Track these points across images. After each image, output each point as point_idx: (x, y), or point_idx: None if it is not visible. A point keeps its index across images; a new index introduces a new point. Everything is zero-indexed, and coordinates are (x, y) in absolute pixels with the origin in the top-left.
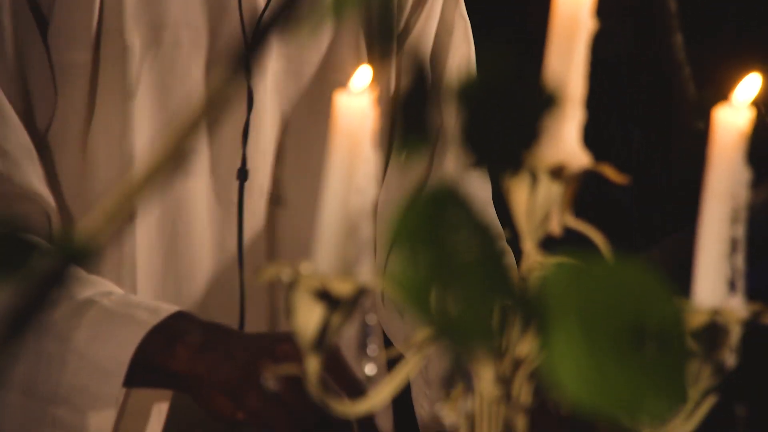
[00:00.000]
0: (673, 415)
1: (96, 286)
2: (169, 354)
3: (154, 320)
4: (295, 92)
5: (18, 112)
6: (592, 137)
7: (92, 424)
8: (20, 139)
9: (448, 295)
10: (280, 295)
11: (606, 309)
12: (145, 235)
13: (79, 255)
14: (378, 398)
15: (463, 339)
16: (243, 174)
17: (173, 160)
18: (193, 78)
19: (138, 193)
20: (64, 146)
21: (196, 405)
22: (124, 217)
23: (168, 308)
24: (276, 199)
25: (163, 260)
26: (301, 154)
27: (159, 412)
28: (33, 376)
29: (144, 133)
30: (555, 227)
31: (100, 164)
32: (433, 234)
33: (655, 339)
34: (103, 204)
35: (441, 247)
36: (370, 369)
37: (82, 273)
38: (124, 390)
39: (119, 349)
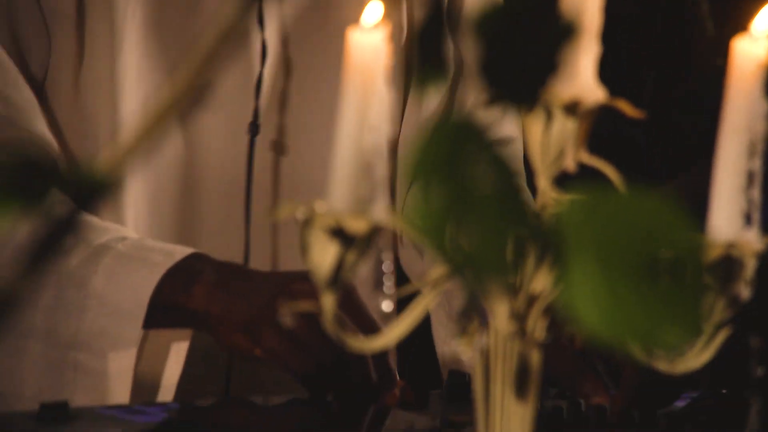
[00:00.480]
0: (688, 346)
1: (110, 232)
2: (186, 293)
3: (170, 261)
4: (301, 36)
5: (15, 63)
6: (607, 74)
7: (113, 366)
8: (21, 88)
9: (464, 229)
10: (282, 244)
11: (622, 241)
12: (152, 181)
13: (99, 186)
14: (394, 334)
15: (479, 273)
16: (254, 128)
17: (191, 93)
18: (183, 29)
19: (158, 126)
20: (59, 97)
21: (214, 344)
22: (145, 151)
23: (183, 249)
24: (280, 148)
25: (170, 208)
26: (305, 99)
27: (178, 351)
28: (53, 324)
29: (135, 89)
30: (569, 163)
31: (93, 119)
32: (450, 167)
33: (671, 270)
34: (124, 136)
35: (458, 180)
36: (385, 306)
37: (95, 220)
38: (143, 332)
39: (137, 292)
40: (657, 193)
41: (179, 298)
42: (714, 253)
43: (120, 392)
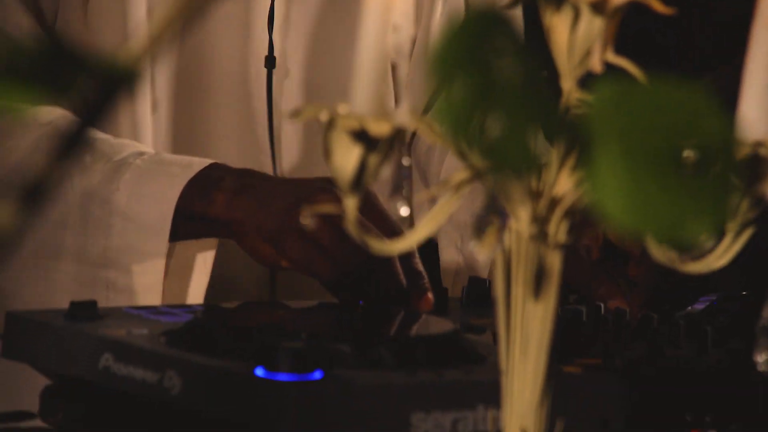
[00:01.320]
0: (710, 244)
1: (128, 148)
2: (207, 201)
3: (189, 172)
4: None
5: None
6: None
7: (142, 282)
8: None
9: (489, 123)
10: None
11: (651, 129)
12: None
13: (122, 77)
14: (416, 237)
15: (506, 165)
16: (271, 61)
17: None
18: None
19: (177, 20)
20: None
21: (239, 254)
22: (165, 42)
23: (201, 160)
24: (283, 71)
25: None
26: (304, 21)
27: (204, 261)
28: (81, 243)
29: (145, 26)
30: (596, 64)
31: (101, 30)
32: (475, 59)
33: (703, 158)
34: (145, 29)
35: (483, 72)
36: (404, 210)
37: (110, 138)
38: (168, 244)
39: (160, 205)
40: (688, 85)
41: (200, 207)
42: (742, 152)
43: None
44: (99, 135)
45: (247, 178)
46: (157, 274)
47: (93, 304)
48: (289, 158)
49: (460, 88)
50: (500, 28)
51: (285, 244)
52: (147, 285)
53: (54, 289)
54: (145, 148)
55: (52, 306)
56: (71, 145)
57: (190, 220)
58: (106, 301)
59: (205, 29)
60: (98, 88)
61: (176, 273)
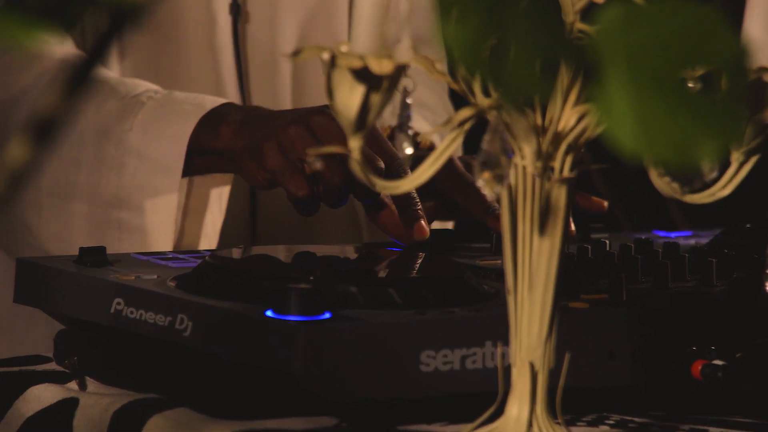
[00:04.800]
0: (720, 161)
1: (138, 86)
2: (214, 134)
3: (201, 111)
4: None
5: None
6: None
7: (154, 221)
8: None
9: (499, 49)
10: None
11: (659, 51)
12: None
13: (130, 9)
14: (422, 174)
15: (516, 90)
16: (236, 9)
17: None
18: None
19: None
20: None
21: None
22: None
23: (213, 99)
24: (245, 16)
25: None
26: None
27: (219, 199)
28: (95, 181)
29: None
30: None
31: None
32: None
33: (712, 78)
34: None
35: None
36: (407, 148)
37: (122, 78)
38: (181, 181)
39: (173, 143)
40: (696, 4)
41: (208, 140)
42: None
43: (162, 247)
44: (109, 74)
45: (252, 112)
46: (169, 212)
47: (102, 249)
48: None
49: (468, 16)
50: None
51: (264, 155)
52: (159, 224)
53: (69, 229)
54: (155, 86)
55: (67, 246)
56: (80, 79)
57: (200, 155)
58: (118, 242)
59: None
60: (106, 21)
61: (193, 212)
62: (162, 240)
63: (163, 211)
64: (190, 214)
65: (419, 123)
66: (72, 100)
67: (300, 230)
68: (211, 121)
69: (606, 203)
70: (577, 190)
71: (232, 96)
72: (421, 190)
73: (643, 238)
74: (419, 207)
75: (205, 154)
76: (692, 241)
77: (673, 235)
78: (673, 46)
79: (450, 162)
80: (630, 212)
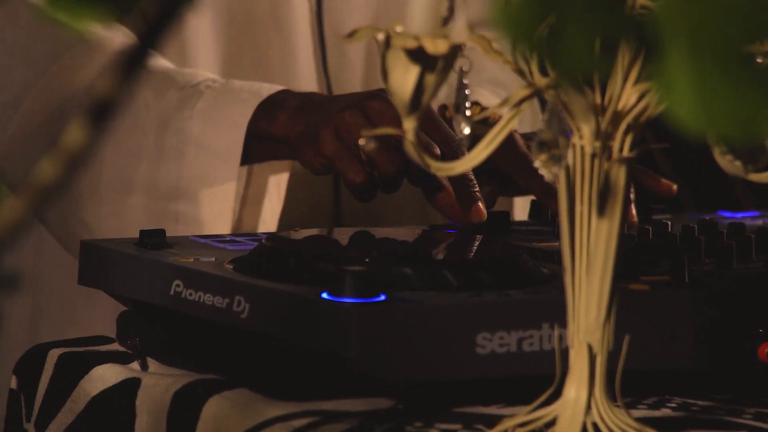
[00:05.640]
0: None
1: (197, 76)
2: (271, 120)
3: (258, 98)
4: None
5: None
6: None
7: (211, 211)
8: None
9: (555, 27)
10: None
11: (721, 24)
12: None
13: None
14: (478, 155)
15: (572, 70)
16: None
17: None
18: None
19: None
20: None
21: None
22: None
23: (270, 86)
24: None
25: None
26: None
27: (278, 186)
28: (153, 174)
29: None
30: None
31: None
32: None
33: None
34: None
35: None
36: (465, 129)
37: (179, 68)
38: (241, 170)
39: (231, 130)
40: None
41: (264, 127)
42: None
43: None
44: (167, 64)
45: (308, 98)
46: (227, 201)
47: (162, 232)
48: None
49: None
50: None
51: (320, 141)
52: (216, 214)
53: (125, 224)
54: (212, 75)
55: None
56: (135, 63)
57: (258, 141)
58: (174, 233)
59: None
60: (159, 6)
61: (251, 201)
62: (217, 229)
63: (220, 200)
64: (249, 203)
65: (492, 101)
66: (127, 85)
67: (382, 212)
68: (268, 108)
69: (675, 186)
70: (646, 171)
71: (312, 79)
72: (482, 168)
73: (707, 218)
74: (476, 189)
75: (263, 140)
76: (759, 222)
77: (738, 215)
78: (736, 20)
79: (510, 140)
80: (694, 192)
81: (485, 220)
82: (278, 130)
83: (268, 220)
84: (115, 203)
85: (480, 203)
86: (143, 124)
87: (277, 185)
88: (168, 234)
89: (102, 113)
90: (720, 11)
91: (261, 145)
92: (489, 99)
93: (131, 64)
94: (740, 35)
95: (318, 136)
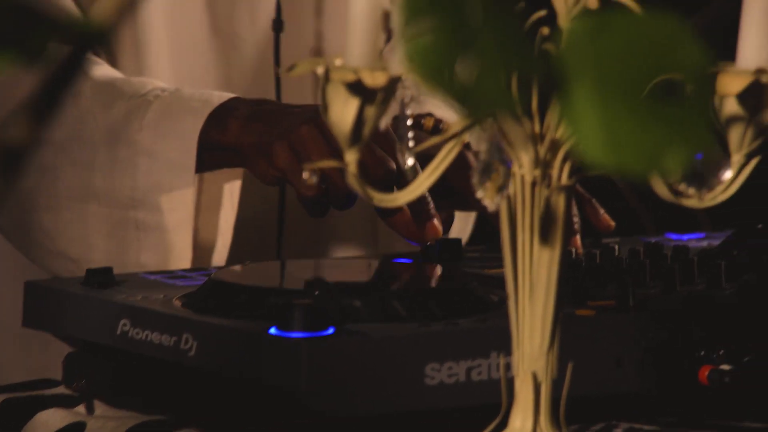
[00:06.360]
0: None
1: (145, 86)
2: (221, 129)
3: (209, 107)
4: None
5: None
6: None
7: (172, 218)
8: None
9: (465, 65)
10: None
11: (626, 61)
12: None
13: (94, 35)
14: (421, 186)
15: (482, 108)
16: (278, 25)
17: None
18: None
19: None
20: None
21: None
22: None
23: (221, 94)
24: (278, 26)
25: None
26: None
27: (231, 194)
28: (110, 185)
29: None
30: (592, 0)
31: None
32: (445, 0)
33: (678, 87)
34: None
35: (456, 13)
36: (410, 160)
37: (128, 78)
38: (196, 178)
39: (184, 140)
40: (664, 14)
41: (216, 135)
42: (743, 82)
43: (182, 245)
44: (115, 73)
45: (259, 106)
46: (186, 209)
47: (109, 270)
48: None
49: (432, 33)
50: None
51: (274, 154)
52: (177, 221)
53: (88, 232)
54: (161, 83)
55: (88, 248)
56: (47, 106)
57: (209, 150)
58: (137, 242)
59: None
60: (70, 48)
61: (206, 208)
62: (181, 237)
63: (180, 208)
64: (203, 211)
65: (447, 111)
66: (39, 128)
67: (324, 228)
68: (219, 117)
69: (613, 223)
70: (590, 201)
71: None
72: (436, 186)
73: (653, 241)
74: (431, 206)
75: (214, 149)
76: (704, 243)
77: (684, 237)
78: (639, 57)
79: (461, 157)
80: (653, 212)
81: (441, 236)
82: (230, 140)
83: (224, 229)
84: (75, 211)
85: (435, 220)
86: (92, 138)
87: (230, 193)
88: (131, 243)
89: (12, 160)
90: (621, 48)
91: (213, 154)
92: (444, 109)
93: (43, 108)
94: (643, 72)
95: (272, 149)
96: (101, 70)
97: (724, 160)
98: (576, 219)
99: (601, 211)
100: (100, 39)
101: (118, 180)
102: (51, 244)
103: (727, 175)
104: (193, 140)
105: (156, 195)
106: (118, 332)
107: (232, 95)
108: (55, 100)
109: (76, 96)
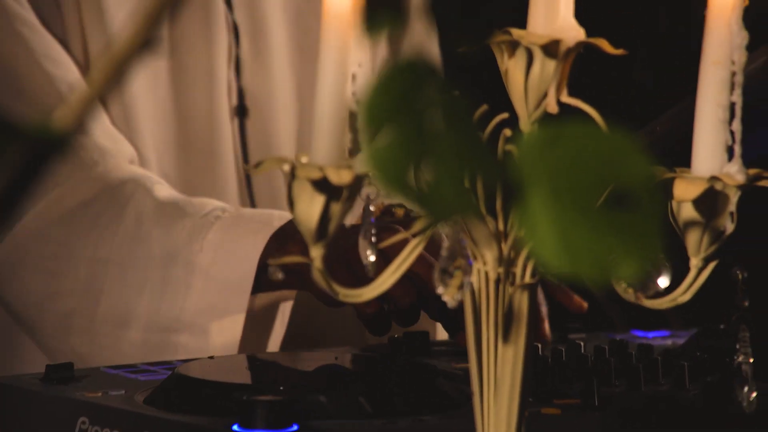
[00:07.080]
0: (643, 272)
1: (206, 206)
2: (283, 252)
3: (270, 229)
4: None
5: None
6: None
7: (218, 343)
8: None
9: (423, 171)
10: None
11: (578, 172)
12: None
13: (54, 142)
14: (386, 283)
15: (443, 210)
16: (242, 110)
17: (141, 45)
18: None
19: (108, 80)
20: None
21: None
22: (97, 103)
23: (280, 215)
24: (243, 112)
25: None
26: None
27: (282, 313)
28: (155, 306)
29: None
30: (551, 105)
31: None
32: (405, 108)
33: (628, 197)
34: (78, 91)
35: (414, 121)
36: (371, 256)
37: (187, 198)
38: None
39: (243, 263)
40: (614, 128)
41: (275, 257)
42: (698, 188)
43: None
44: (174, 194)
45: None
46: (234, 333)
47: (70, 365)
48: (262, 206)
49: (392, 139)
50: (429, 77)
51: (332, 274)
52: (222, 345)
53: (120, 357)
54: (222, 203)
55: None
56: (3, 212)
57: (264, 272)
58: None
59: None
60: (30, 155)
61: (256, 325)
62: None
63: (228, 333)
64: (250, 332)
65: None
66: None
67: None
68: (280, 239)
69: (586, 304)
70: (560, 287)
71: (235, 195)
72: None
73: (618, 339)
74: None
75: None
76: (669, 342)
77: (650, 335)
78: (589, 167)
79: (421, 256)
80: (620, 307)
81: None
82: (290, 263)
83: (271, 348)
84: (111, 337)
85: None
86: (148, 258)
87: (282, 314)
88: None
89: None
90: (573, 158)
91: (267, 275)
92: None
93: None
94: (592, 182)
95: (331, 270)
96: (164, 191)
97: (662, 266)
98: (543, 307)
99: (572, 294)
100: (61, 145)
101: (167, 302)
102: (81, 362)
103: (664, 282)
104: (253, 262)
105: (206, 317)
106: (77, 431)
107: (290, 216)
108: (12, 206)
109: (139, 217)
